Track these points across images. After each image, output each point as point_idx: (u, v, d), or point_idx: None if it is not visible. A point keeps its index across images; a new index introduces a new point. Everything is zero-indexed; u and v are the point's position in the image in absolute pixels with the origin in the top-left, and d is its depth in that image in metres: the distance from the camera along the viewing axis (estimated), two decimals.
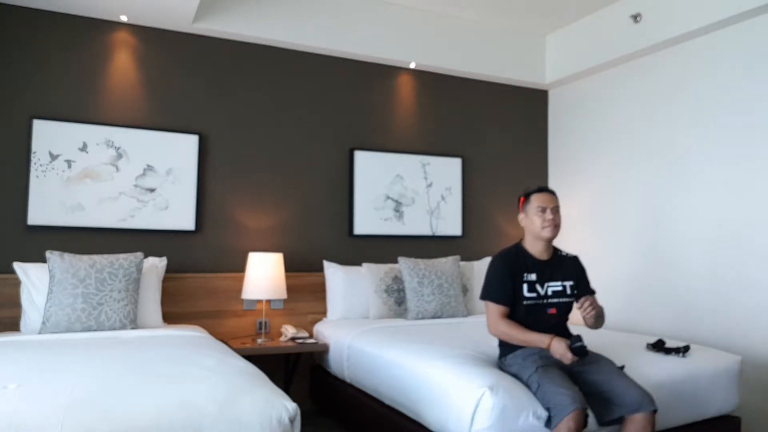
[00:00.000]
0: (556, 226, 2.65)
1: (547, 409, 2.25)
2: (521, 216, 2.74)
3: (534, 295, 2.63)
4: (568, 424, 2.15)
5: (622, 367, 2.53)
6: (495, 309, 2.61)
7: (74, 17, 3.72)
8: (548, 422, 2.24)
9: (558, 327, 2.65)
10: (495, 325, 2.61)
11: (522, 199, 2.75)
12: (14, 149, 3.55)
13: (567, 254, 2.80)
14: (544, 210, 2.64)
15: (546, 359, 2.47)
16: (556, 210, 2.67)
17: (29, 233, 3.55)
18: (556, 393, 2.24)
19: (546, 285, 2.66)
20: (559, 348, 2.42)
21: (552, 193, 2.72)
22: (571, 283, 2.70)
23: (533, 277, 2.65)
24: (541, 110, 5.26)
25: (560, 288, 2.67)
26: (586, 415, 2.22)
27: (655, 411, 2.31)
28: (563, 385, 2.28)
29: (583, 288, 2.73)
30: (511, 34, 4.93)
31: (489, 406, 2.27)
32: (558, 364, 2.46)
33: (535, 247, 2.70)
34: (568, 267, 2.73)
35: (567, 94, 5.07)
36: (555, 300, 2.66)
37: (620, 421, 2.36)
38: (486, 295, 2.66)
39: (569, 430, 2.14)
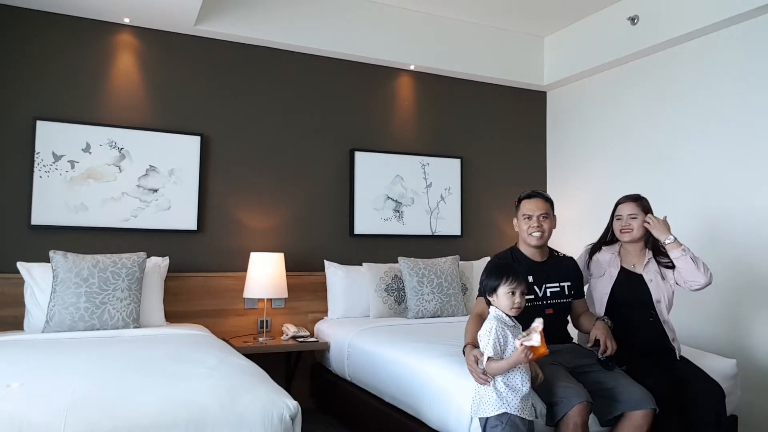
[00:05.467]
0: (543, 233, 2.64)
1: (549, 405, 2.27)
2: (515, 221, 2.77)
3: (531, 297, 2.62)
4: (574, 417, 2.17)
5: (623, 369, 2.54)
6: (477, 303, 2.60)
7: (77, 19, 3.75)
8: (547, 418, 2.27)
9: (554, 326, 2.64)
10: (469, 317, 2.60)
11: (516, 203, 2.78)
12: (18, 150, 3.58)
13: (564, 255, 2.81)
14: (530, 217, 2.65)
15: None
16: (544, 216, 2.65)
17: (33, 233, 3.58)
18: (560, 387, 2.26)
19: (544, 286, 2.66)
20: (468, 357, 2.29)
21: (542, 198, 2.71)
22: (568, 283, 2.71)
23: (529, 279, 2.63)
24: (539, 111, 5.28)
25: (558, 289, 2.68)
26: (590, 410, 2.24)
27: (655, 411, 2.30)
28: (568, 380, 2.32)
29: (580, 289, 2.74)
30: (509, 36, 4.96)
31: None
32: (561, 362, 2.48)
33: (528, 250, 2.71)
34: (565, 268, 2.74)
35: (565, 96, 5.09)
36: (553, 301, 2.66)
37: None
38: (478, 291, 2.65)
39: (575, 423, 2.17)
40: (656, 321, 2.77)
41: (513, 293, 2.26)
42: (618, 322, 2.72)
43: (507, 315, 2.27)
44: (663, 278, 2.79)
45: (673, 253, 2.68)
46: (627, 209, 2.82)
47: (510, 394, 2.14)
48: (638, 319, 2.76)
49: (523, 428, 2.12)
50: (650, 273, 2.79)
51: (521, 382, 2.16)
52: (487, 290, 2.34)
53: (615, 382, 2.40)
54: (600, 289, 2.85)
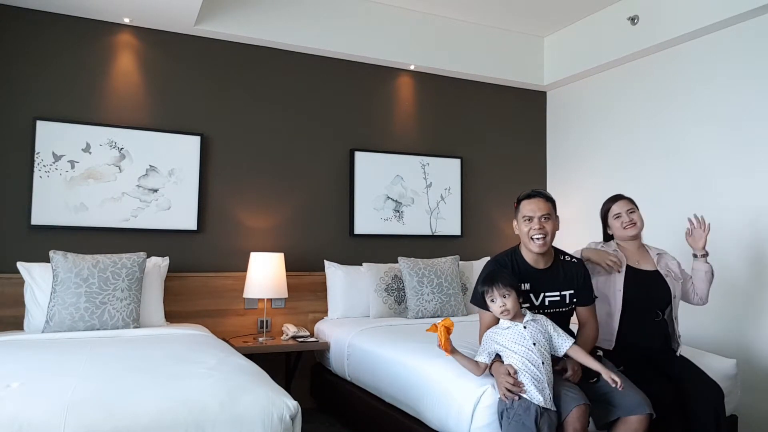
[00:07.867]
0: (545, 236, 2.45)
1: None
2: (514, 223, 2.59)
3: (527, 305, 2.49)
4: (573, 422, 2.17)
5: (621, 369, 2.52)
6: (483, 316, 2.53)
7: (78, 19, 3.75)
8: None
9: None
10: (480, 332, 2.52)
11: (515, 204, 2.59)
12: (18, 150, 3.58)
13: (570, 259, 2.62)
14: (530, 219, 2.46)
15: None
16: (546, 218, 2.46)
17: (33, 233, 3.58)
18: (559, 392, 2.25)
19: (542, 295, 2.51)
20: (498, 373, 2.27)
21: (544, 197, 2.52)
22: (570, 291, 2.54)
23: (526, 286, 2.50)
24: (539, 111, 5.28)
25: (558, 298, 2.53)
26: (589, 413, 2.23)
27: (651, 415, 2.27)
28: (566, 384, 2.30)
29: (584, 296, 2.57)
30: (509, 36, 4.96)
31: (489, 403, 2.30)
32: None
33: (529, 255, 2.53)
34: (570, 274, 2.56)
35: (565, 96, 5.10)
36: (551, 310, 2.53)
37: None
38: (472, 299, 2.57)
39: (574, 428, 2.17)
40: (662, 321, 2.75)
41: (493, 300, 2.35)
42: (625, 322, 2.71)
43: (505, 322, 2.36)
44: (673, 274, 2.84)
45: (703, 266, 2.82)
46: (623, 206, 2.85)
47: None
48: (645, 319, 2.73)
49: (532, 413, 2.14)
50: (663, 269, 2.82)
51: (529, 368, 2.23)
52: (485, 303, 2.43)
53: (611, 386, 2.37)
54: (613, 285, 2.76)
